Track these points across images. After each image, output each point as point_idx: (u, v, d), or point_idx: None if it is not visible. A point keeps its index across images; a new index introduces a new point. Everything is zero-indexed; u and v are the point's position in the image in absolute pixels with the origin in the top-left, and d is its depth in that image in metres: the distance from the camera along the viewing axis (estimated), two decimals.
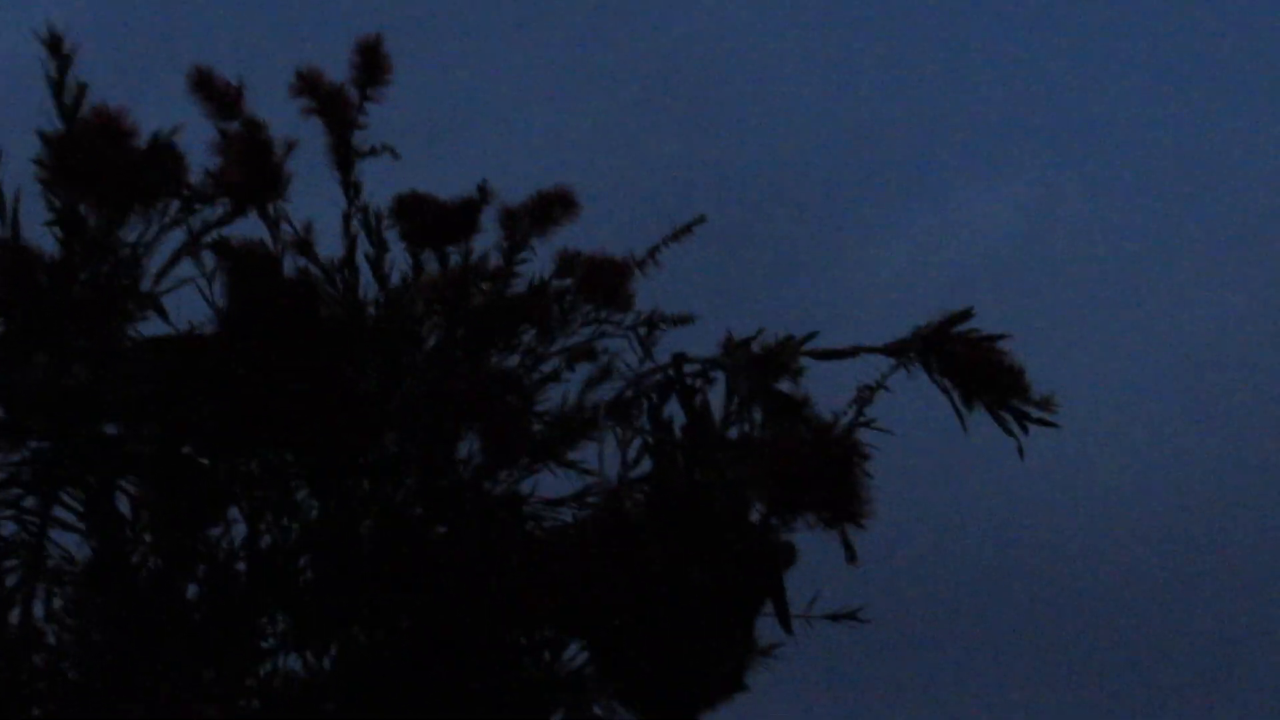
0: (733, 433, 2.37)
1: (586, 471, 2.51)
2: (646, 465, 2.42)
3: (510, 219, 2.73)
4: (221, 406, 2.35)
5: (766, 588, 2.34)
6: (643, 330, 2.75)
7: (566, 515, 2.55)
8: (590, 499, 2.55)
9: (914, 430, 2.31)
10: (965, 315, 2.31)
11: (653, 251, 2.80)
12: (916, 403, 2.35)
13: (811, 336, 2.37)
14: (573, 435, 2.50)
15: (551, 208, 2.73)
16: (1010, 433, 2.28)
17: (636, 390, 2.44)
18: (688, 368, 2.40)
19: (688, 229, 2.83)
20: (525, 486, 2.54)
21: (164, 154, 2.33)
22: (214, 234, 2.46)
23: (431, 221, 2.69)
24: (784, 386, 2.34)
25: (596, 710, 2.46)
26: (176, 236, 2.46)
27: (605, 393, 2.63)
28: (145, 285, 2.45)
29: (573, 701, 2.47)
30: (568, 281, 2.74)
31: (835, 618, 2.49)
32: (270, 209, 2.51)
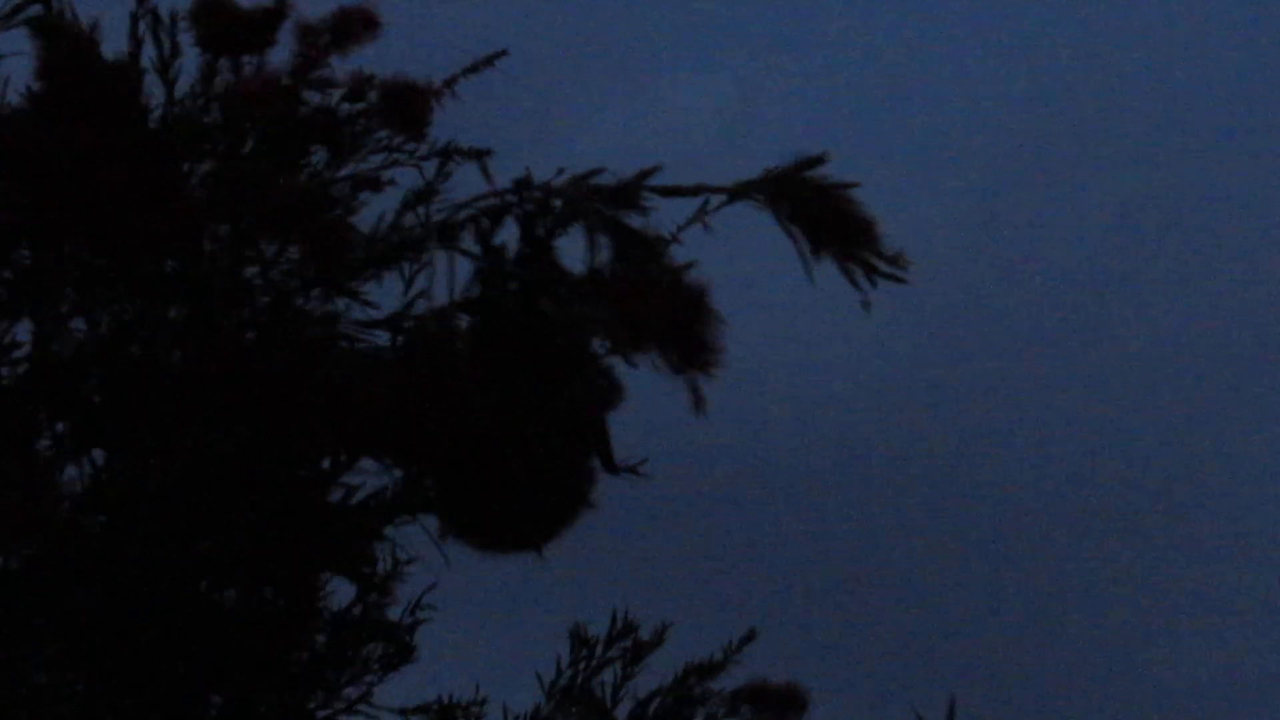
0: (573, 266, 2.30)
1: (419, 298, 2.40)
2: (472, 292, 2.34)
3: (308, 33, 2.61)
4: (30, 189, 2.18)
5: (593, 425, 2.29)
6: (436, 160, 2.66)
7: (380, 338, 2.45)
8: (406, 323, 2.46)
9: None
10: (818, 160, 2.25)
11: (450, 81, 2.71)
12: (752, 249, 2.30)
13: (655, 170, 2.30)
14: (395, 254, 2.40)
15: (352, 25, 2.62)
16: (857, 286, 2.24)
17: (468, 213, 2.35)
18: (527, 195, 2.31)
19: (489, 61, 2.74)
20: (339, 305, 2.43)
21: None
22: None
23: (231, 27, 2.55)
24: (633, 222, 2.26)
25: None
26: None
27: (418, 217, 2.54)
28: None
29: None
30: (359, 105, 2.63)
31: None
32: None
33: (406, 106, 2.62)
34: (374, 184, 2.63)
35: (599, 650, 2.81)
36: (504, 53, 2.74)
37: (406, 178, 2.69)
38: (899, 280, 2.23)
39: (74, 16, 2.36)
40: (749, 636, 2.84)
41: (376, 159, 2.66)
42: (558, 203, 2.32)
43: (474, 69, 2.71)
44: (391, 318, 2.43)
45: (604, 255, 2.25)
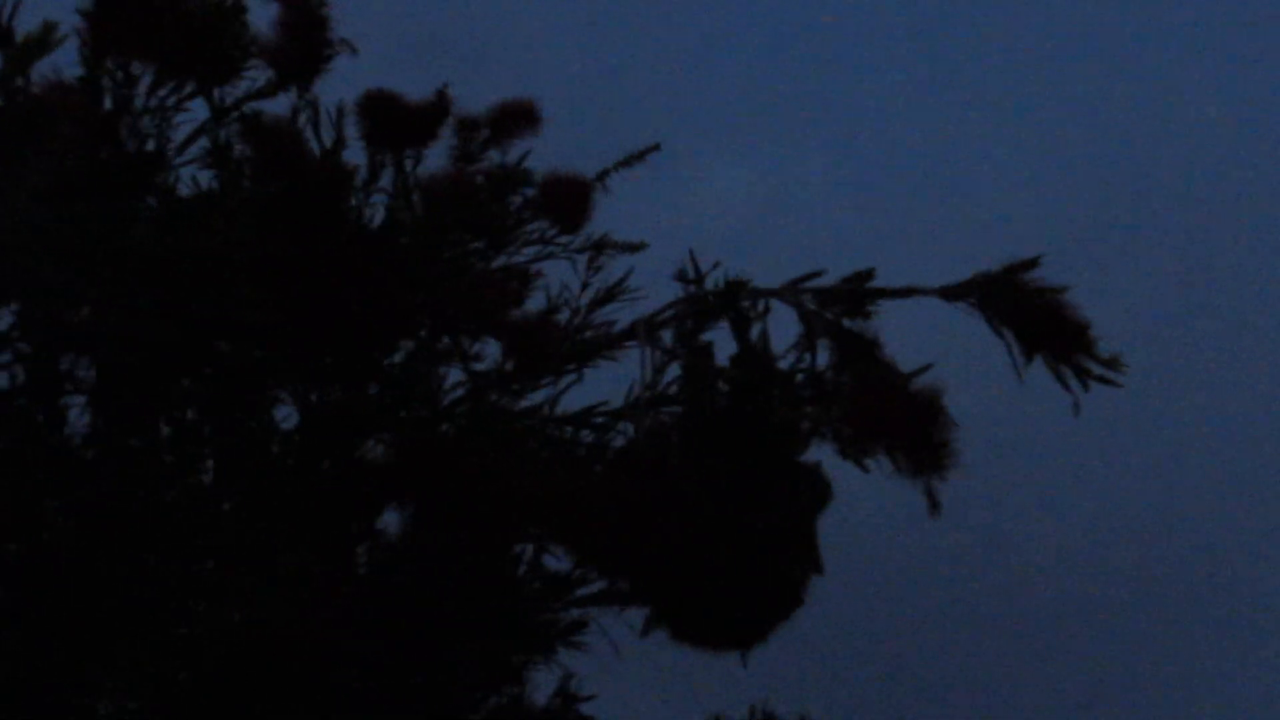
0: (784, 365, 2.32)
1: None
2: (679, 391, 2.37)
3: (467, 128, 2.62)
4: (263, 292, 2.18)
5: (802, 525, 2.31)
6: (589, 253, 2.67)
7: (574, 430, 2.46)
8: (597, 419, 2.47)
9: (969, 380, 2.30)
10: (1032, 264, 2.29)
11: (603, 175, 2.72)
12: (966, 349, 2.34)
13: (870, 274, 2.33)
14: (594, 351, 2.41)
15: (513, 120, 2.64)
16: (1068, 388, 2.27)
17: (681, 311, 2.36)
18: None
19: (642, 155, 2.76)
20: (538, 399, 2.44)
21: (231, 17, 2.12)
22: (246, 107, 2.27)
23: (396, 122, 2.55)
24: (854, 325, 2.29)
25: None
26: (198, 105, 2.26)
27: (609, 312, 2.56)
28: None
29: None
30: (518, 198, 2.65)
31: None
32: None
33: (568, 200, 2.63)
34: (524, 275, 2.63)
35: None
36: (657, 146, 2.75)
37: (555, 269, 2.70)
38: (1113, 384, 2.27)
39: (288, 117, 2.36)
40: None
41: (530, 250, 2.66)
42: (764, 303, 2.34)
43: (628, 162, 2.72)
44: (584, 412, 2.43)
45: (825, 358, 2.28)
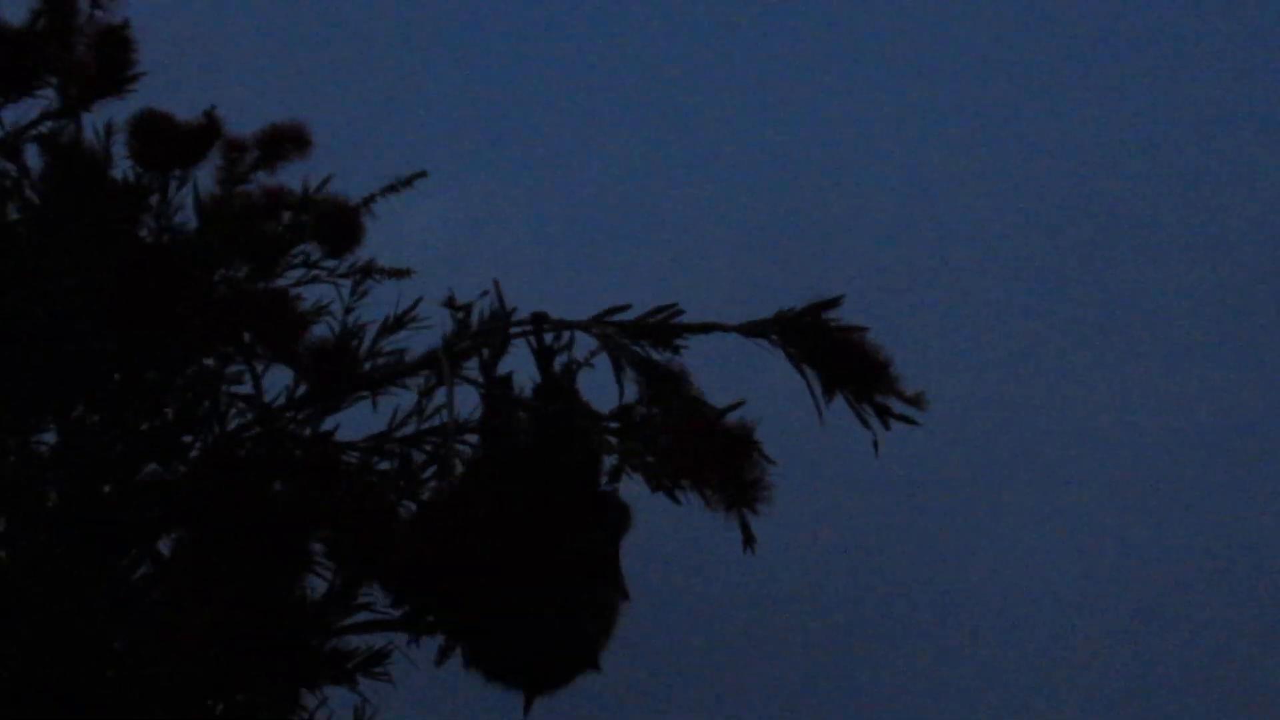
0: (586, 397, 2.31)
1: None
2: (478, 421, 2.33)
3: (234, 149, 2.57)
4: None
5: (605, 552, 2.29)
6: (356, 279, 2.64)
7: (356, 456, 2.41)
8: (389, 445, 2.42)
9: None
10: (832, 303, 2.31)
11: (368, 200, 2.70)
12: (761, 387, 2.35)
13: (675, 309, 2.33)
14: (389, 378, 2.36)
15: (282, 143, 2.59)
16: (868, 425, 2.30)
17: (476, 342, 2.33)
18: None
19: (409, 181, 2.74)
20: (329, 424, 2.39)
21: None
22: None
23: (167, 142, 2.49)
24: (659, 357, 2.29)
25: None
26: None
27: (396, 340, 2.52)
28: None
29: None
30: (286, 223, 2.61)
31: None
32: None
33: (339, 226, 2.59)
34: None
35: None
36: (423, 173, 2.73)
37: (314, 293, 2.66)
38: (912, 422, 2.30)
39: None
40: None
41: (294, 274, 2.61)
42: (568, 335, 2.32)
43: (394, 188, 2.69)
44: (378, 437, 2.39)
45: (632, 391, 2.26)
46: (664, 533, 2.32)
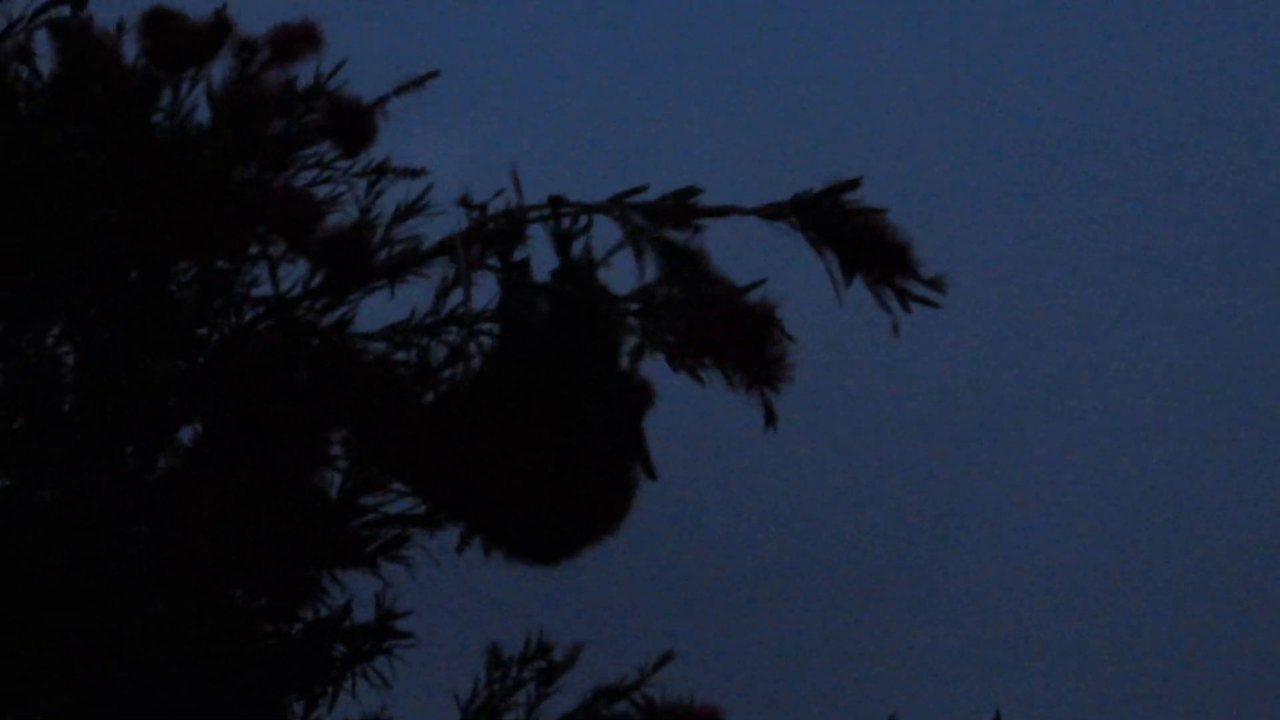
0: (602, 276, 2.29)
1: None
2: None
3: (246, 48, 2.55)
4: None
5: (629, 431, 2.27)
6: (371, 178, 2.62)
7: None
8: (405, 336, 2.40)
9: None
10: (852, 185, 2.29)
11: (381, 101, 2.67)
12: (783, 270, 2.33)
13: (694, 191, 2.30)
14: (405, 266, 2.34)
15: (294, 41, 2.57)
16: (888, 309, 2.28)
17: (498, 227, 2.31)
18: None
19: (420, 81, 2.71)
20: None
21: None
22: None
23: (179, 41, 2.47)
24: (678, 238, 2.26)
25: None
26: None
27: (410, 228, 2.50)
28: None
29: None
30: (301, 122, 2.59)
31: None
32: None
33: (353, 125, 2.57)
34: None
35: (514, 671, 2.78)
36: (435, 73, 2.71)
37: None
38: (933, 305, 2.28)
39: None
40: (665, 659, 2.83)
41: (308, 174, 2.59)
42: (584, 220, 2.30)
43: (405, 89, 2.67)
44: (394, 327, 2.37)
45: (652, 273, 2.24)
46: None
